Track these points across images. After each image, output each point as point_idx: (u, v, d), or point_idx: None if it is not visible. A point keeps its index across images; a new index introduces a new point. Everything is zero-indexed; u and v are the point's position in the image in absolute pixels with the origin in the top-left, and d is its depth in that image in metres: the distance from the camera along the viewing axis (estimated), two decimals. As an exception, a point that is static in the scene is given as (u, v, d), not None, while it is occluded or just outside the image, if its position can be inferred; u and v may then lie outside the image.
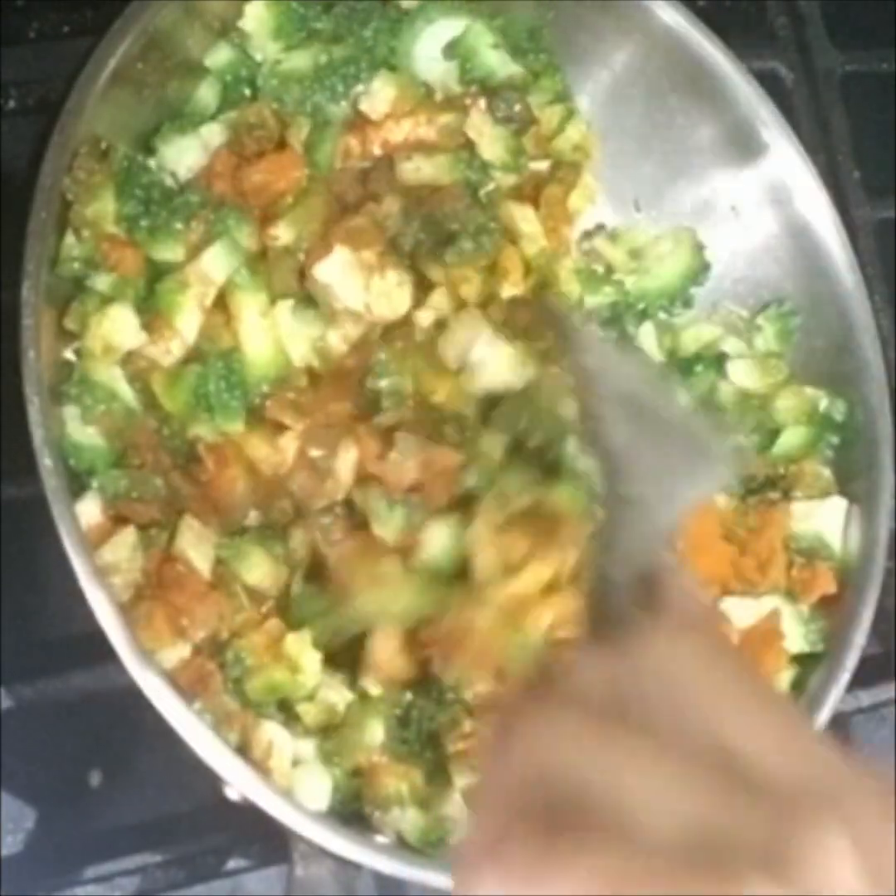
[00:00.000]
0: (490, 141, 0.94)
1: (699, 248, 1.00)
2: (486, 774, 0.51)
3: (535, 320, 0.87)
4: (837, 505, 0.96)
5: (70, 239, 0.83)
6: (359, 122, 0.93)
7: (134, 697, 0.76)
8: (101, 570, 0.76)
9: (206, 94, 0.90)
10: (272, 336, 0.86)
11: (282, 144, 0.89)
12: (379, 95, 0.93)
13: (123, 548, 0.80)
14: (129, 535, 0.80)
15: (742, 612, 0.93)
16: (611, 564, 0.59)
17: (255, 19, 0.91)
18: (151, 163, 0.87)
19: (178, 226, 0.85)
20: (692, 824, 0.44)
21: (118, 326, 0.83)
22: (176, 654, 0.79)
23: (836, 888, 0.43)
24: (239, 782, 0.77)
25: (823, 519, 0.96)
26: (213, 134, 0.89)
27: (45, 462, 0.75)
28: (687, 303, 1.01)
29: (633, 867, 0.43)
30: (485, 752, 0.52)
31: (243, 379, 0.85)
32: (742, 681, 0.51)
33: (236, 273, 0.85)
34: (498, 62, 0.96)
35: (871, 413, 0.97)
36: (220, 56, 0.91)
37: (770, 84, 1.01)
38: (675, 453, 0.65)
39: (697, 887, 0.42)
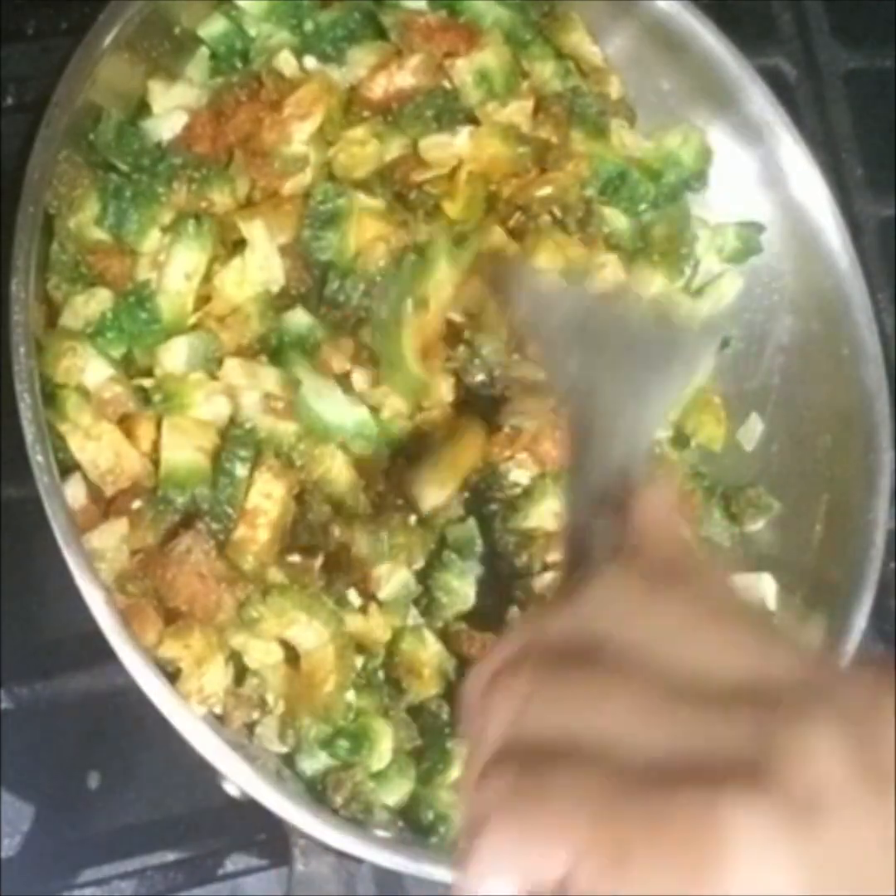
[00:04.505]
0: (472, 86, 0.94)
1: (706, 152, 1.00)
2: (468, 752, 0.51)
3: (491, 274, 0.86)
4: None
5: (56, 246, 0.83)
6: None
7: (133, 698, 0.75)
8: (88, 556, 0.76)
9: (198, 65, 0.91)
10: (189, 299, 0.85)
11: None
12: (360, 64, 0.93)
13: (112, 537, 0.79)
14: (120, 526, 0.80)
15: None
16: (585, 500, 0.58)
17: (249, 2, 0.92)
18: (144, 125, 0.88)
19: (160, 189, 0.85)
20: (668, 749, 0.43)
21: (104, 309, 0.83)
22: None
23: (824, 786, 0.41)
24: (238, 778, 0.77)
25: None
26: (198, 98, 0.89)
27: (38, 459, 0.75)
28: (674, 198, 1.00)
29: (614, 796, 0.43)
30: (465, 729, 0.52)
31: (157, 316, 0.84)
32: (711, 607, 0.50)
33: (182, 224, 0.85)
34: (484, 6, 0.96)
35: (868, 397, 0.96)
36: (214, 26, 0.91)
37: (773, 81, 1.01)
38: (640, 369, 0.64)
39: (676, 805, 0.42)
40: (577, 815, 0.43)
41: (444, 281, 0.87)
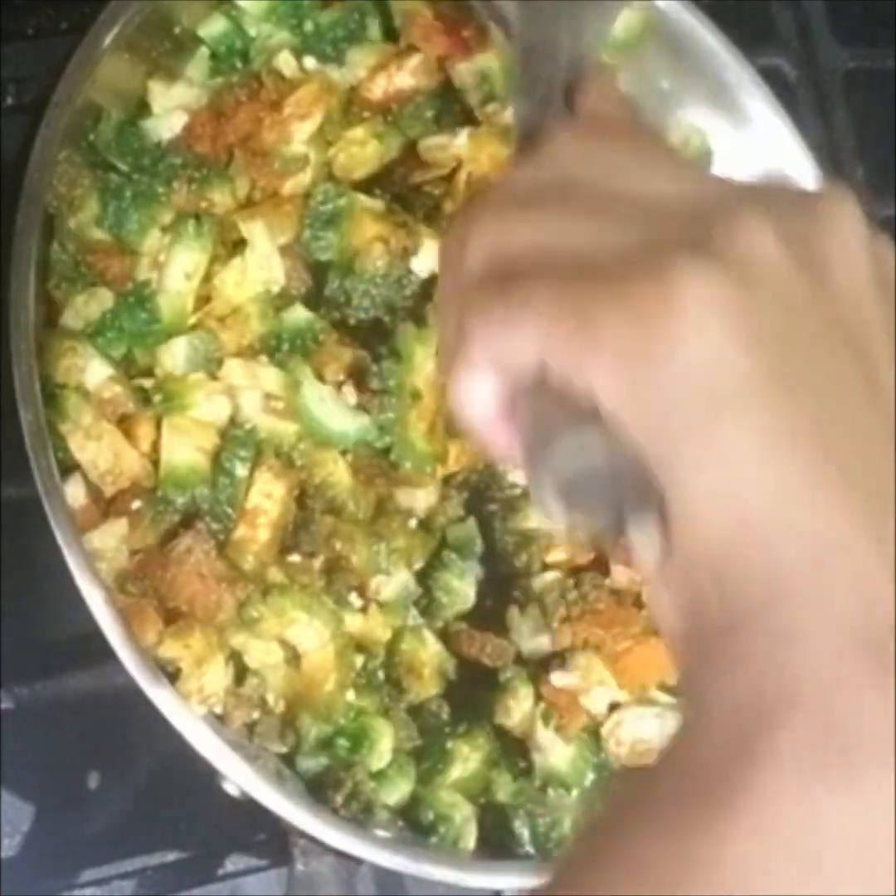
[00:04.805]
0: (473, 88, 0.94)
1: (707, 153, 1.00)
2: (441, 281, 0.55)
3: None
4: None
5: (56, 246, 0.84)
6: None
7: (133, 698, 0.76)
8: (88, 555, 0.76)
9: (198, 65, 0.91)
10: (189, 299, 0.85)
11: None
12: (359, 65, 0.93)
13: (112, 538, 0.80)
14: (120, 526, 0.80)
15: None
16: (535, 98, 0.60)
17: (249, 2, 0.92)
18: (144, 125, 0.88)
19: (160, 189, 0.85)
20: (625, 240, 0.47)
21: (104, 308, 0.83)
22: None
23: (762, 259, 0.45)
24: (238, 778, 0.77)
25: None
26: (197, 98, 0.89)
27: (38, 459, 0.75)
28: None
29: (577, 278, 0.46)
30: (441, 264, 0.56)
31: (157, 316, 0.84)
32: (659, 153, 0.56)
33: (182, 224, 0.85)
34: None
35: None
36: (214, 26, 0.91)
37: (773, 81, 1.01)
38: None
39: (632, 274, 0.45)
40: (544, 295, 0.47)
41: (423, 363, 0.87)
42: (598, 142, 0.54)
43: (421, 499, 0.88)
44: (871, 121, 1.12)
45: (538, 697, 0.89)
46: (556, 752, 0.89)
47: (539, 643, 0.90)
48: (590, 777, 0.89)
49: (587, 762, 0.89)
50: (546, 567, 0.91)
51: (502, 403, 0.51)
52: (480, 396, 0.50)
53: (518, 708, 0.89)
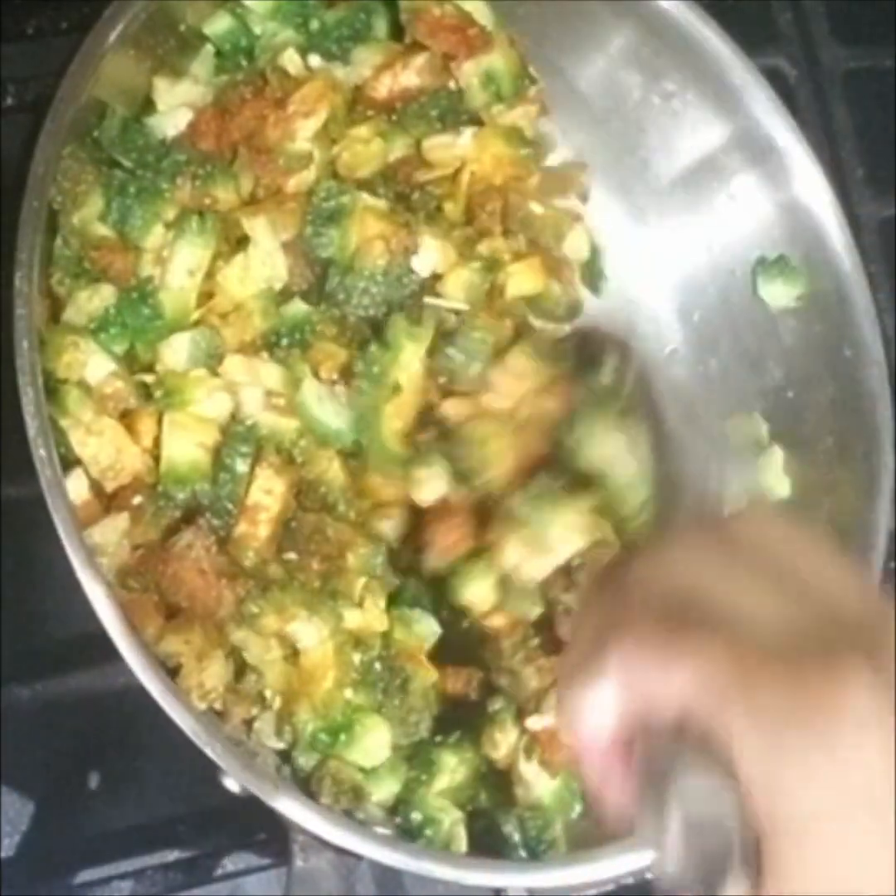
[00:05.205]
0: (479, 88, 0.95)
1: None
2: (594, 588, 0.56)
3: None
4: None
5: (60, 241, 0.84)
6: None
7: (133, 698, 0.75)
8: (89, 550, 0.76)
9: (203, 63, 0.91)
10: (192, 295, 0.85)
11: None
12: (364, 64, 0.93)
13: (113, 533, 0.79)
14: (121, 520, 0.80)
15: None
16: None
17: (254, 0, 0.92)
18: (148, 122, 0.88)
19: (164, 186, 0.86)
20: (796, 624, 0.49)
21: (107, 304, 0.83)
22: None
23: None
24: (237, 774, 0.76)
25: None
26: (202, 95, 0.89)
27: (40, 452, 0.74)
28: None
29: (748, 655, 0.48)
30: (603, 573, 0.57)
31: (160, 312, 0.84)
32: (816, 550, 0.56)
33: (186, 221, 0.85)
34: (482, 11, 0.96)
35: (871, 399, 0.96)
36: (220, 24, 0.91)
37: (773, 80, 1.00)
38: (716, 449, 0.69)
39: (805, 670, 0.47)
40: (710, 645, 0.48)
41: (409, 360, 0.87)
42: (783, 534, 0.56)
43: (389, 529, 0.88)
44: (871, 120, 1.12)
45: (523, 731, 0.88)
46: (540, 784, 0.88)
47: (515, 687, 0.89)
48: (576, 809, 0.88)
49: (572, 792, 0.88)
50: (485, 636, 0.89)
51: (618, 729, 0.52)
52: (601, 710, 0.52)
53: (504, 741, 0.87)
